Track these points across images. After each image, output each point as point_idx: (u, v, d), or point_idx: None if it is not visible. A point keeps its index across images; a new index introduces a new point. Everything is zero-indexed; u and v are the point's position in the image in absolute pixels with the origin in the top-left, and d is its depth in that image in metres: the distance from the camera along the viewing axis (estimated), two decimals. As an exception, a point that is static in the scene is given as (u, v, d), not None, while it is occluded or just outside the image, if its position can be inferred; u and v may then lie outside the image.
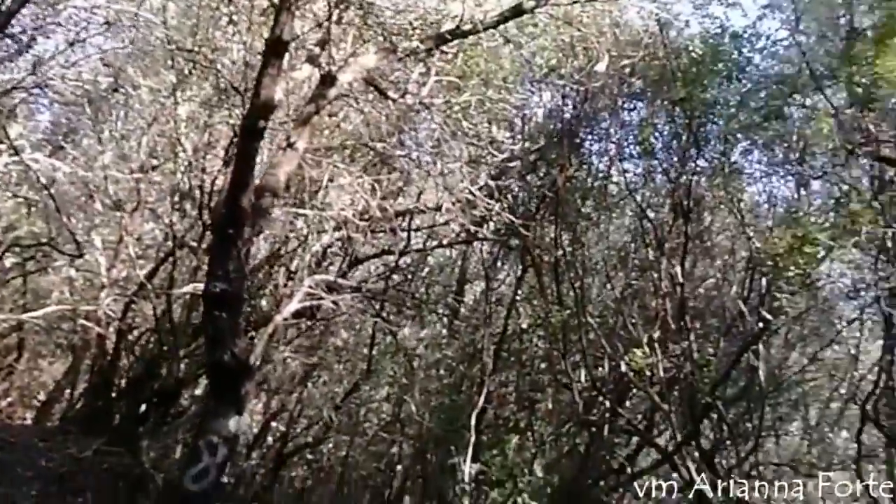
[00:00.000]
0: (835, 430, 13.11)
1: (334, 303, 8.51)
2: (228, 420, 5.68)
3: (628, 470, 10.83)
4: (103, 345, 11.39)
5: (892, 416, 9.86)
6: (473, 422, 7.33)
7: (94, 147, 12.58)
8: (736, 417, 10.54)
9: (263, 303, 11.60)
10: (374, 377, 15.40)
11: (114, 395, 11.29)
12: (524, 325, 11.33)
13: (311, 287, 6.55)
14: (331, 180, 6.90)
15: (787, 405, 13.47)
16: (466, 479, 6.57)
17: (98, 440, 9.22)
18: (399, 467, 15.50)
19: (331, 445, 18.21)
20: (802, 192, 9.46)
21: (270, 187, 6.07)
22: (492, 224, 11.66)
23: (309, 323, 13.95)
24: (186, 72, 9.98)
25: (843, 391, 12.12)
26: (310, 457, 17.54)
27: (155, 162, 11.61)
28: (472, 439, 6.99)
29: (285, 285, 7.59)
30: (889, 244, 7.42)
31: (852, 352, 11.76)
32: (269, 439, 15.97)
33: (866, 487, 9.93)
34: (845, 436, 12.65)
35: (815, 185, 9.61)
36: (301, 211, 6.92)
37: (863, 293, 10.55)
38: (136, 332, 12.33)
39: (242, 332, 6.20)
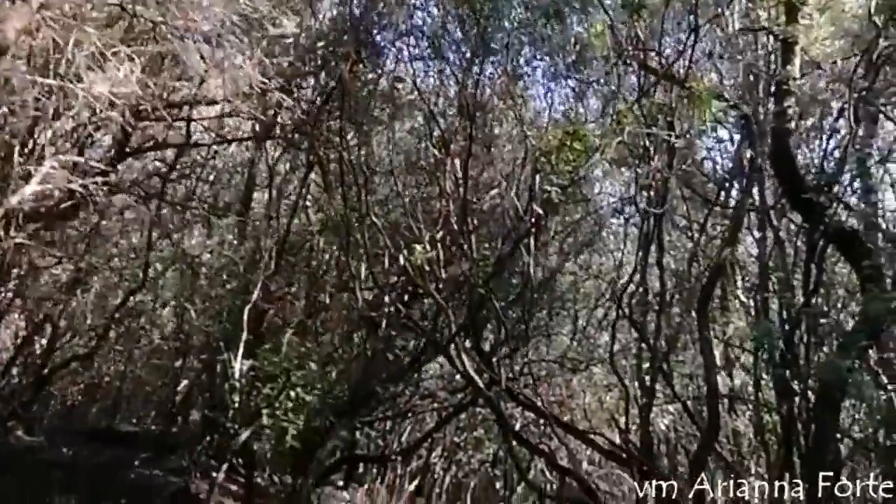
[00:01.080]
0: (598, 332, 14.40)
1: (99, 201, 7.65)
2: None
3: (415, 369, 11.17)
4: None
5: (644, 314, 10.96)
6: (246, 318, 7.02)
7: None
8: (514, 319, 11.20)
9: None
10: (154, 286, 14.49)
11: None
12: (312, 227, 11.04)
13: (54, 168, 5.74)
14: (77, 46, 6.00)
15: (560, 309, 14.65)
16: (237, 375, 6.31)
17: None
18: (185, 381, 14.84)
19: (108, 360, 17.13)
20: (580, 104, 9.96)
21: (-6, 44, 5.19)
22: (280, 120, 11.12)
23: (77, 225, 12.73)
24: None
25: (608, 298, 13.22)
26: (84, 372, 16.38)
27: None
28: (244, 336, 6.72)
29: (25, 165, 6.59)
30: (649, 146, 8.00)
31: (616, 262, 12.95)
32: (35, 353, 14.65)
33: (619, 378, 11.07)
34: (607, 338, 13.79)
35: (593, 98, 10.19)
36: (45, 81, 5.98)
37: (627, 208, 11.56)
38: None
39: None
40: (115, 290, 14.96)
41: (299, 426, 6.56)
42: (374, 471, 15.57)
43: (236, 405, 6.41)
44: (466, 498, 16.28)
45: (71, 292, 13.79)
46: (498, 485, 17.10)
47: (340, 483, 14.49)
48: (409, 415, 14.63)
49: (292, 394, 6.58)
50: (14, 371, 14.43)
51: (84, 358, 14.36)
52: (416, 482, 15.52)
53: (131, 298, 13.97)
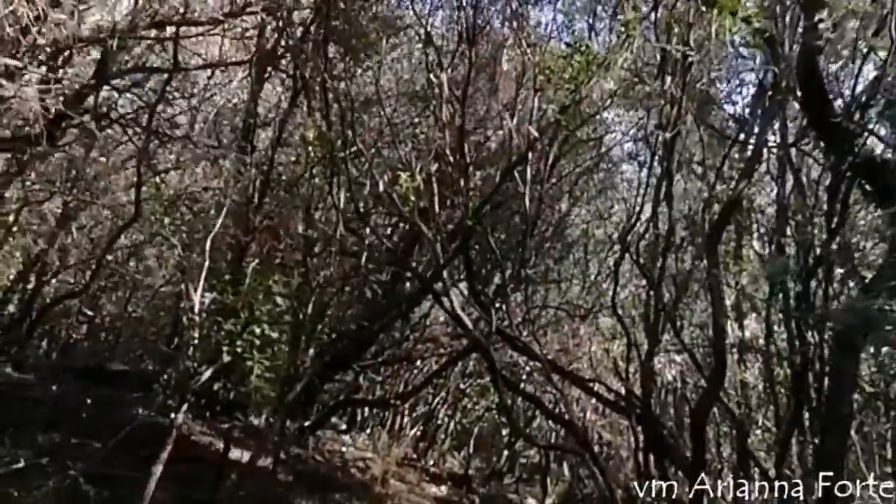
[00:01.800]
0: (608, 279, 13.79)
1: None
2: None
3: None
4: None
5: (654, 259, 10.32)
6: (208, 247, 6.46)
7: None
8: (516, 262, 10.65)
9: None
10: (153, 224, 14.06)
11: None
12: (308, 161, 10.37)
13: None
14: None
15: (567, 254, 14.08)
16: (196, 308, 5.80)
17: None
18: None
19: (111, 300, 16.93)
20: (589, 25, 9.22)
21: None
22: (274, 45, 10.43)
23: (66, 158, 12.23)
24: None
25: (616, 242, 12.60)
26: (85, 311, 16.18)
27: None
28: (206, 265, 6.18)
29: None
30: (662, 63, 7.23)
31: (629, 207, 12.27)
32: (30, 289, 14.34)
33: (622, 325, 10.50)
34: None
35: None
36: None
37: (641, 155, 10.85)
38: None
39: None
40: (111, 227, 14.57)
41: (265, 365, 6.08)
42: (380, 417, 15.33)
43: (195, 341, 5.93)
44: (470, 443, 15.97)
45: (62, 227, 13.40)
46: (504, 432, 16.80)
47: (343, 427, 14.26)
48: (418, 361, 14.23)
49: (257, 330, 6.10)
50: (8, 308, 14.18)
51: (76, 295, 14.02)
52: (419, 427, 15.26)
53: (127, 237, 13.55)
